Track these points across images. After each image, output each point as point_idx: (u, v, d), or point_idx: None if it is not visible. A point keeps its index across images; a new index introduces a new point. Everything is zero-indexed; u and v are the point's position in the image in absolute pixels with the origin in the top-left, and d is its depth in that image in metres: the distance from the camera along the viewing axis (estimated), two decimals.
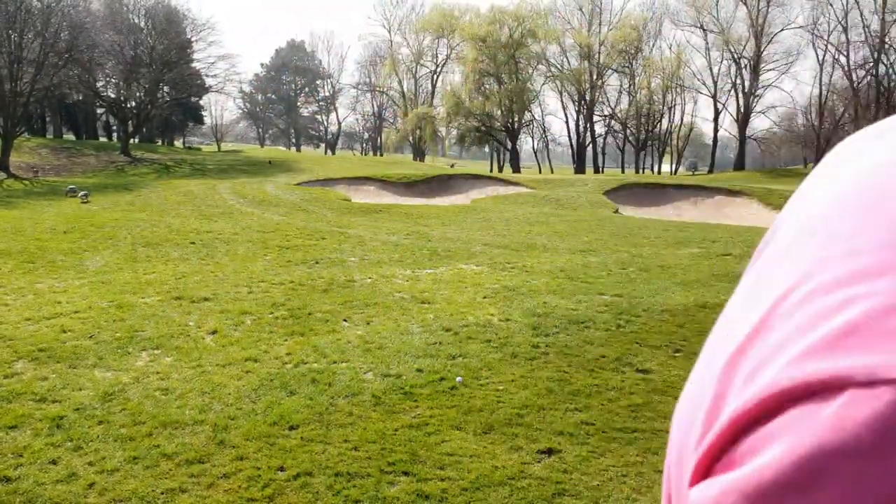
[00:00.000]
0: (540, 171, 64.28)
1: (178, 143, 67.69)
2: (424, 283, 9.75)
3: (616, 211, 24.02)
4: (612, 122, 67.43)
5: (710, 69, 63.06)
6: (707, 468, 0.26)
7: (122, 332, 6.91)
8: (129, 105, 45.74)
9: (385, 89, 74.10)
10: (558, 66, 64.72)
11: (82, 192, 22.22)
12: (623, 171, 67.01)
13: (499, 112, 62.05)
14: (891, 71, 54.80)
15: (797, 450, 0.22)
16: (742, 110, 61.20)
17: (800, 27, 59.54)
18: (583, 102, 64.76)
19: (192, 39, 50.99)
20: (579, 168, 64.51)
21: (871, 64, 55.66)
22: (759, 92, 61.55)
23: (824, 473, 0.22)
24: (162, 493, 3.83)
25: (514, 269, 10.94)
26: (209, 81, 51.94)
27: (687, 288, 9.43)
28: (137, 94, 44.99)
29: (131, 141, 46.97)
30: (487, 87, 62.38)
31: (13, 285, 9.10)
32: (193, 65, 50.68)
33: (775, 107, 65.63)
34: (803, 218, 0.29)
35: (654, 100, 64.80)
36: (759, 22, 58.60)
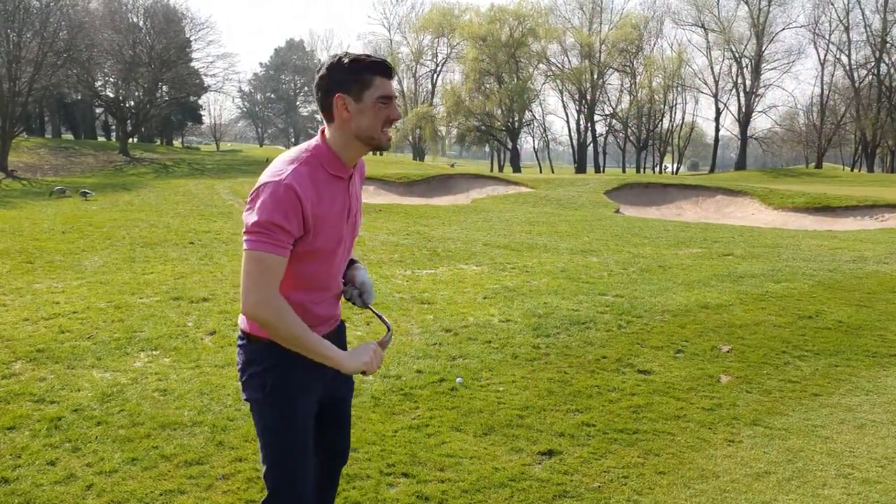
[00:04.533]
0: (540, 171, 64.21)
1: (176, 143, 67.66)
2: (424, 283, 9.72)
3: (617, 211, 23.99)
4: (613, 121, 67.40)
5: (712, 68, 63.12)
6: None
7: (120, 333, 6.88)
8: (127, 104, 45.69)
9: None
10: (559, 65, 64.73)
11: (83, 191, 22.25)
12: (624, 171, 66.97)
13: (499, 111, 62.01)
14: (892, 70, 54.76)
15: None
16: (743, 110, 61.21)
17: (801, 26, 59.67)
18: (584, 101, 64.74)
19: (191, 39, 50.97)
20: (580, 168, 64.48)
21: (873, 63, 55.66)
22: (760, 91, 61.62)
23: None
24: (160, 495, 3.80)
25: (515, 270, 10.91)
26: (208, 81, 51.96)
27: (689, 288, 9.40)
28: (136, 93, 44.96)
29: (130, 140, 46.92)
30: (488, 86, 62.35)
31: (11, 285, 9.07)
32: (192, 64, 50.64)
33: (777, 106, 66.09)
34: None
35: (655, 99, 64.78)
36: (761, 21, 58.60)
